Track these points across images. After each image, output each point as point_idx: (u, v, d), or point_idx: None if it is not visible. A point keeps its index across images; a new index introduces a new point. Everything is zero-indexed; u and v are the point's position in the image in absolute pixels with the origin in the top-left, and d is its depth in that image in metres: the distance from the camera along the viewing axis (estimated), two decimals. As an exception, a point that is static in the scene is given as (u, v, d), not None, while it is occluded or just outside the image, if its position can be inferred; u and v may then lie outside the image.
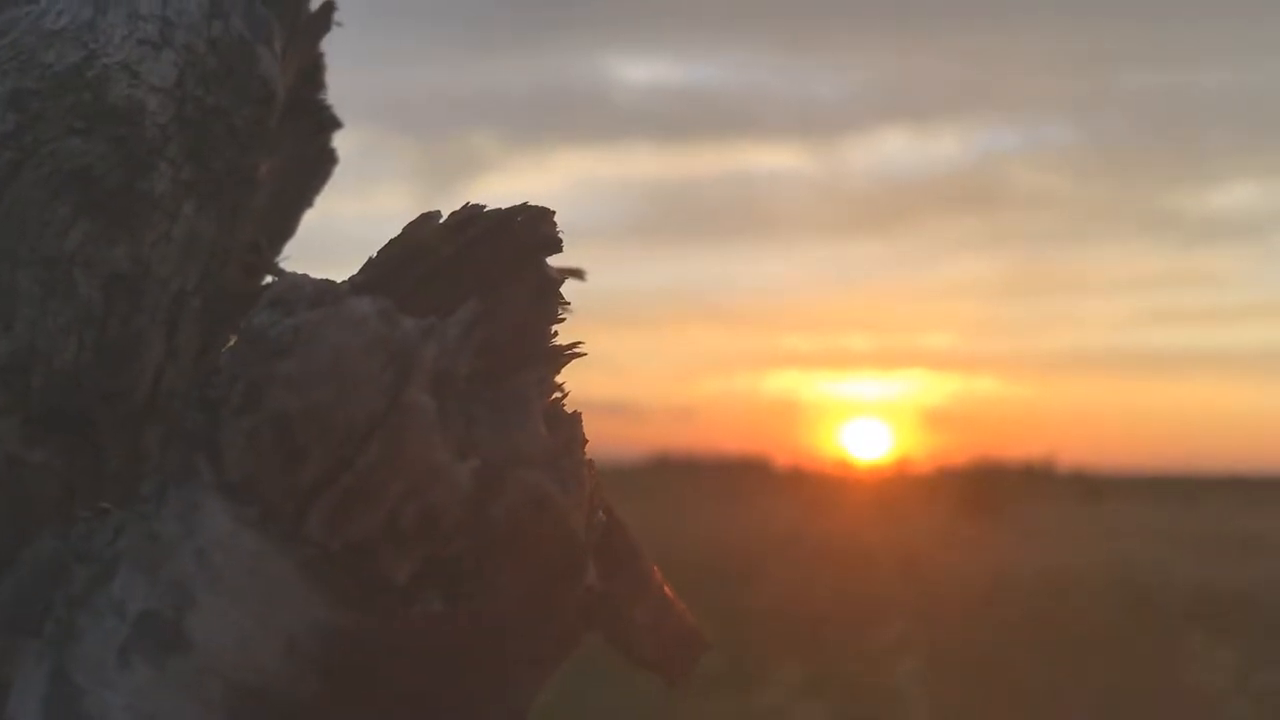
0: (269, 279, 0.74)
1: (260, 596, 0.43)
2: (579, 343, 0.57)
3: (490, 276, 0.55)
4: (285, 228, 0.80)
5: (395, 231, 0.55)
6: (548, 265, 0.56)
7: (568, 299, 0.57)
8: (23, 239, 0.61)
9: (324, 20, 0.77)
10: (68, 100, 0.61)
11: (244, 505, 0.44)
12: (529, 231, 0.55)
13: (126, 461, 0.64)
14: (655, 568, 0.57)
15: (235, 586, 0.43)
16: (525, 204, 0.55)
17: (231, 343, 0.69)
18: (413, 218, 0.55)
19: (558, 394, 0.53)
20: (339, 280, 0.55)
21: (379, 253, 0.55)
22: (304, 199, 0.81)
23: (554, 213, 0.56)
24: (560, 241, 0.55)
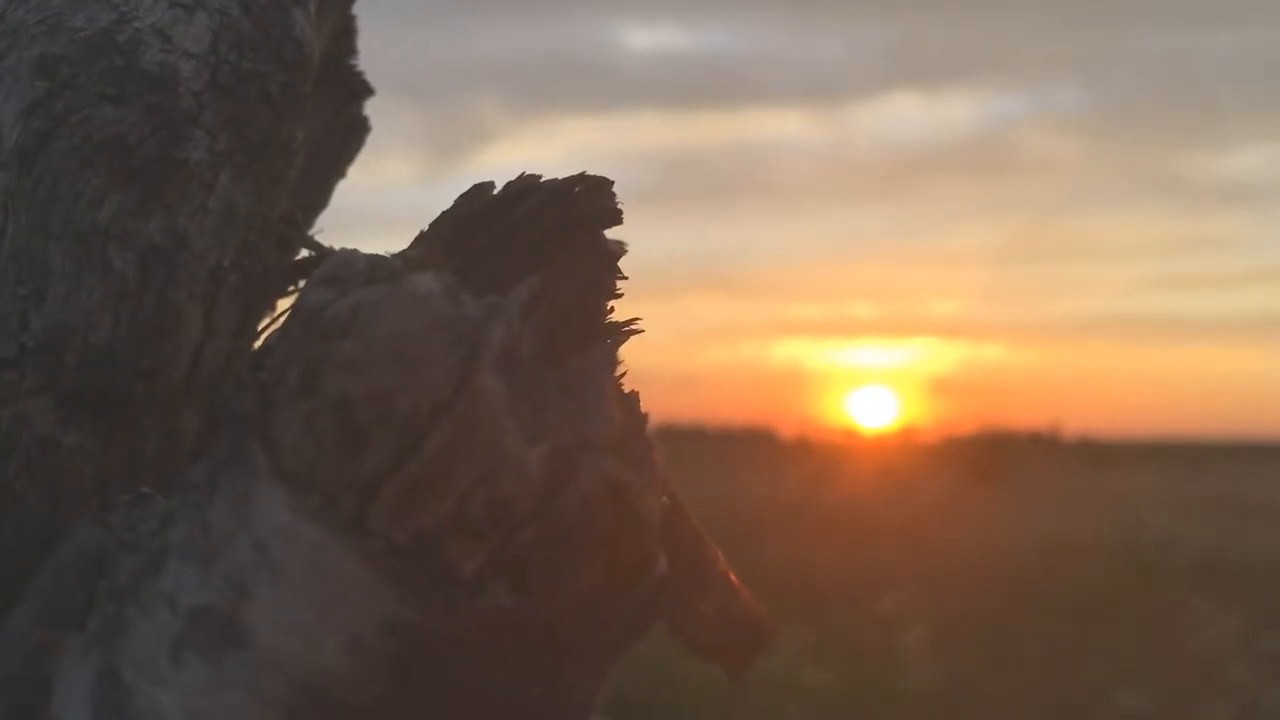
0: (304, 253, 0.72)
1: (323, 590, 0.41)
2: (636, 319, 0.55)
3: (548, 250, 0.52)
4: (317, 199, 0.77)
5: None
6: (606, 238, 0.53)
7: (625, 273, 0.54)
8: (54, 211, 0.58)
9: (357, -18, 0.74)
10: (99, 66, 0.59)
11: (303, 494, 0.41)
12: (588, 203, 0.52)
13: (164, 443, 0.62)
14: (719, 552, 0.55)
15: (296, 580, 0.41)
16: (584, 174, 0.53)
17: (270, 320, 0.67)
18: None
19: (619, 372, 0.50)
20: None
21: (431, 226, 0.53)
22: (336, 169, 0.79)
23: (613, 183, 0.53)
24: (620, 213, 0.53)
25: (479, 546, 0.41)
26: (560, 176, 0.53)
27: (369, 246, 0.73)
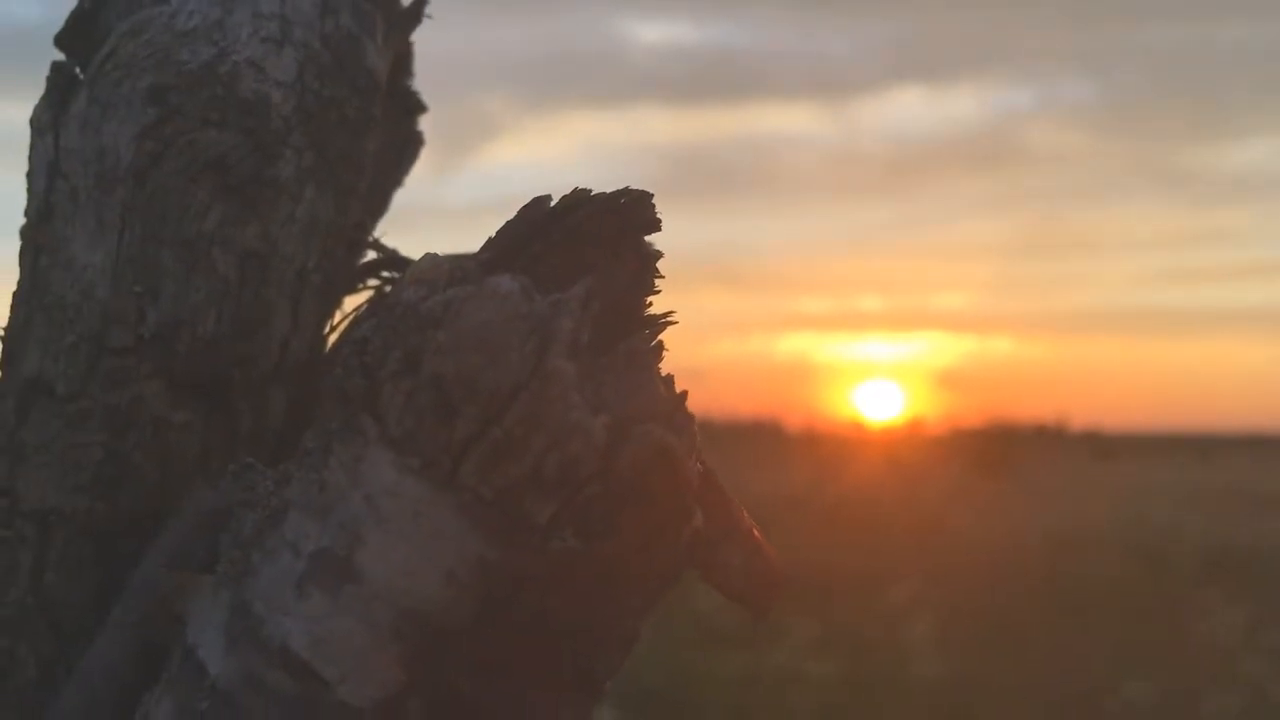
0: (370, 254, 0.81)
1: (423, 535, 0.50)
2: (671, 312, 0.64)
3: (598, 254, 0.61)
4: (379, 206, 0.86)
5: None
6: (647, 243, 0.62)
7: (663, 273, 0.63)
8: (165, 222, 0.67)
9: (416, 13, 0.82)
10: (203, 95, 0.68)
11: (405, 457, 0.50)
12: (631, 213, 0.61)
13: (255, 421, 0.71)
14: (744, 512, 0.64)
15: (401, 527, 0.50)
16: (628, 188, 0.61)
17: (355, 313, 0.76)
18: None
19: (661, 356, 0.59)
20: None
21: (498, 233, 0.62)
22: (395, 179, 0.87)
23: (653, 195, 0.62)
24: (659, 222, 0.62)
25: (551, 499, 0.50)
26: (607, 191, 0.62)
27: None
